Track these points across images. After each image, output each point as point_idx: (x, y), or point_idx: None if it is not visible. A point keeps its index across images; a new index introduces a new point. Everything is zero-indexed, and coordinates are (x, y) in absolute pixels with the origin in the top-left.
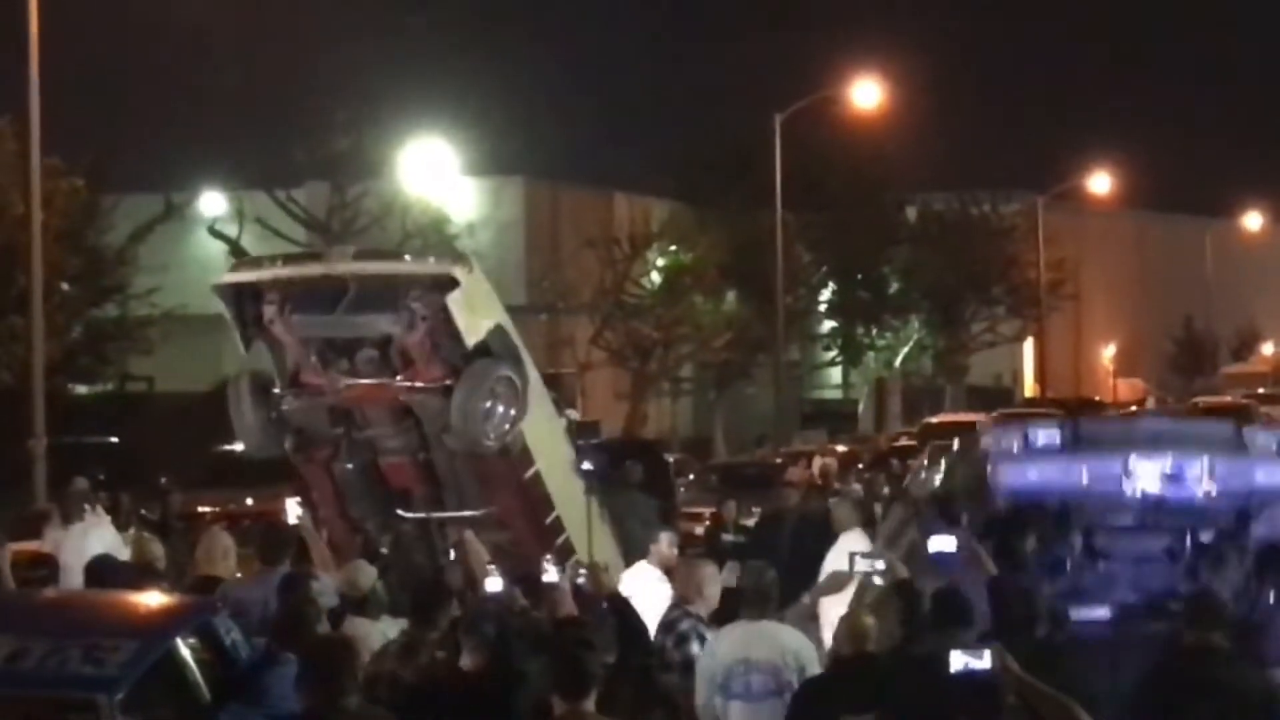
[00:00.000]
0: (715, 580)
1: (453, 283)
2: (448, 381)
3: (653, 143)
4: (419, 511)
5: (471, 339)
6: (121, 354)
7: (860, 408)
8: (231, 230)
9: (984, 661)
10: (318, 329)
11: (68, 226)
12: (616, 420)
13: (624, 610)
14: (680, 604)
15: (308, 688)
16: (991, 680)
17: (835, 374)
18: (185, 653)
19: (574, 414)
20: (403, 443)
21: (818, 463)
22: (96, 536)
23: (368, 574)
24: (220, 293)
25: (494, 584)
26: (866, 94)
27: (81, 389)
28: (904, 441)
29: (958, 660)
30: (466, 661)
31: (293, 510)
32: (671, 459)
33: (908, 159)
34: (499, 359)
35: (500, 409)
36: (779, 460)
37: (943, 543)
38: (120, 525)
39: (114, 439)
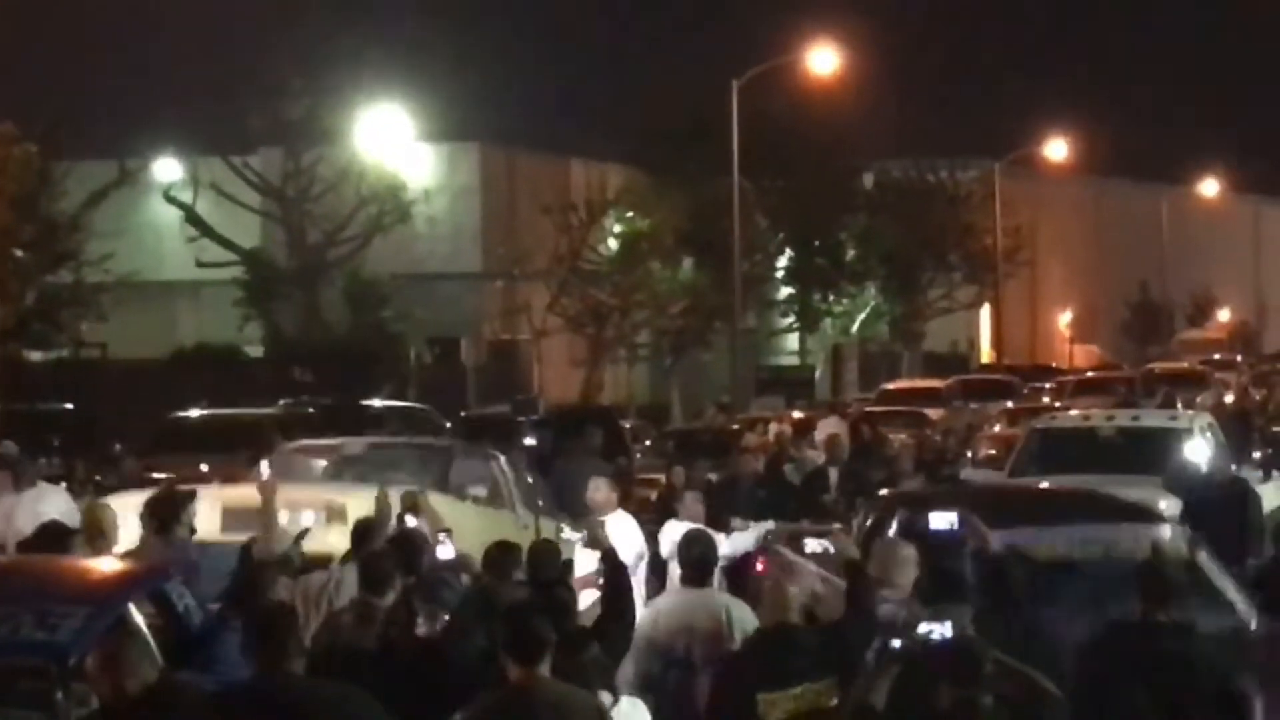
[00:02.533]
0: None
1: None
2: None
3: (609, 109)
4: None
5: None
6: (75, 320)
7: (817, 374)
8: (187, 196)
9: (947, 631)
10: None
11: (21, 193)
12: (573, 387)
13: (616, 568)
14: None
15: (254, 654)
16: (969, 646)
17: (792, 340)
18: (138, 618)
19: (482, 472)
20: None
21: (774, 429)
22: (50, 503)
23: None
24: None
25: (446, 551)
26: (823, 60)
27: (35, 355)
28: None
29: (925, 628)
30: (422, 629)
31: (264, 469)
32: (627, 425)
33: (865, 126)
34: None
35: None
36: (735, 426)
37: (942, 519)
38: (74, 491)
39: (68, 405)
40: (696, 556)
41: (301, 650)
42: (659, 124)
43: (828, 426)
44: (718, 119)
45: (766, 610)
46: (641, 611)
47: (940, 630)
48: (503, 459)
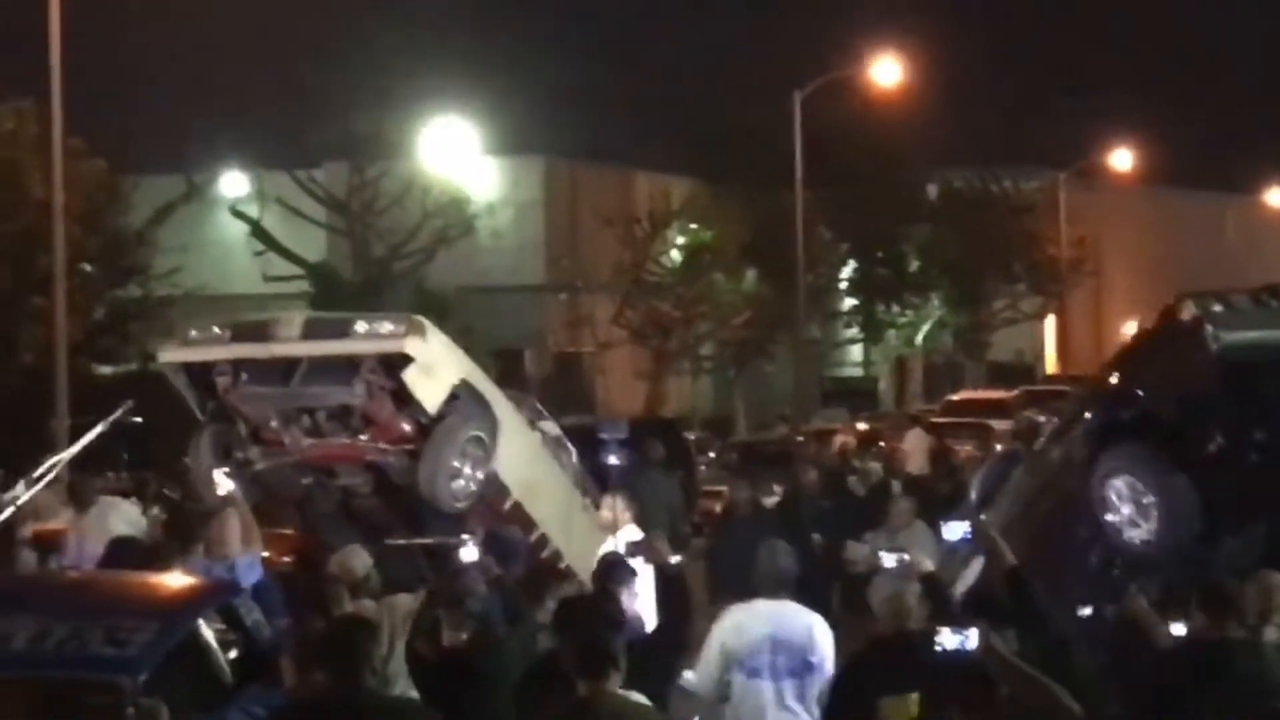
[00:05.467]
0: None
1: (406, 358)
2: (412, 447)
3: (673, 121)
4: (399, 539)
5: (433, 405)
6: (143, 334)
7: (881, 385)
8: (253, 211)
9: (970, 641)
10: (272, 401)
11: (89, 208)
12: (636, 399)
13: (670, 580)
14: None
15: (326, 667)
16: (982, 668)
17: (856, 352)
18: (207, 633)
19: (550, 427)
20: (375, 489)
21: (838, 440)
22: (118, 517)
23: (362, 559)
24: (168, 370)
25: (469, 554)
26: (886, 71)
27: (104, 369)
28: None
29: (946, 639)
30: (449, 637)
31: (223, 483)
32: (692, 437)
33: (928, 136)
34: (465, 418)
35: (469, 469)
36: (800, 438)
37: (955, 529)
38: (145, 505)
39: (137, 419)
40: (779, 568)
41: (373, 667)
42: (722, 136)
43: (911, 438)
44: (781, 130)
45: (887, 617)
46: (722, 622)
47: (964, 642)
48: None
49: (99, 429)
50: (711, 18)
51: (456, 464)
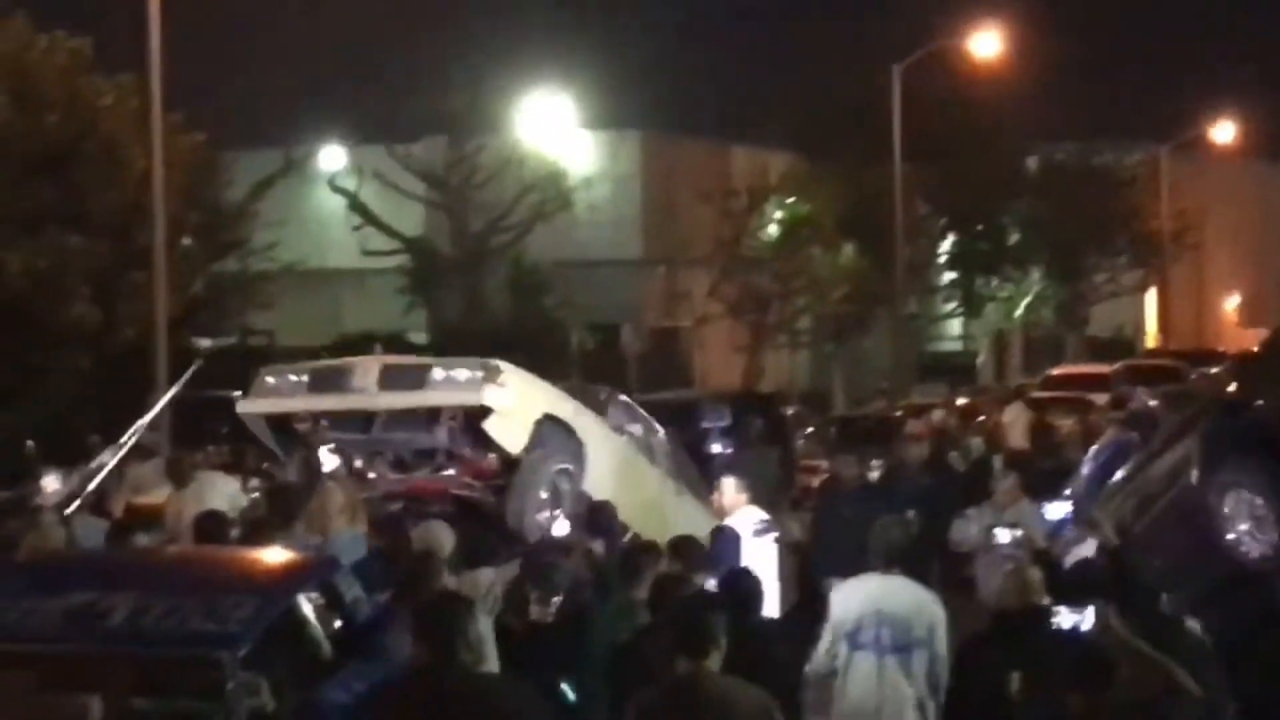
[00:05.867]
0: None
1: (485, 410)
2: (499, 482)
3: (771, 95)
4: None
5: (516, 448)
6: (242, 308)
7: (980, 360)
8: (351, 185)
9: (1086, 620)
10: (354, 445)
11: (189, 182)
12: (734, 374)
13: (804, 560)
14: None
15: (422, 643)
16: (1101, 650)
17: (955, 326)
18: (306, 609)
19: (636, 426)
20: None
21: (937, 415)
22: (216, 492)
23: (446, 534)
24: (248, 420)
25: (561, 527)
26: (986, 43)
27: (204, 343)
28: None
29: (1063, 619)
30: (537, 612)
31: (327, 460)
32: (789, 412)
33: (1028, 109)
34: (550, 452)
35: (556, 502)
36: (898, 413)
37: (1058, 509)
38: (243, 480)
39: (237, 393)
40: (889, 542)
41: (468, 641)
42: (820, 109)
43: (1012, 413)
44: (879, 103)
45: (1012, 593)
46: (833, 595)
47: (1079, 620)
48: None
49: (169, 395)
50: None
51: (544, 497)
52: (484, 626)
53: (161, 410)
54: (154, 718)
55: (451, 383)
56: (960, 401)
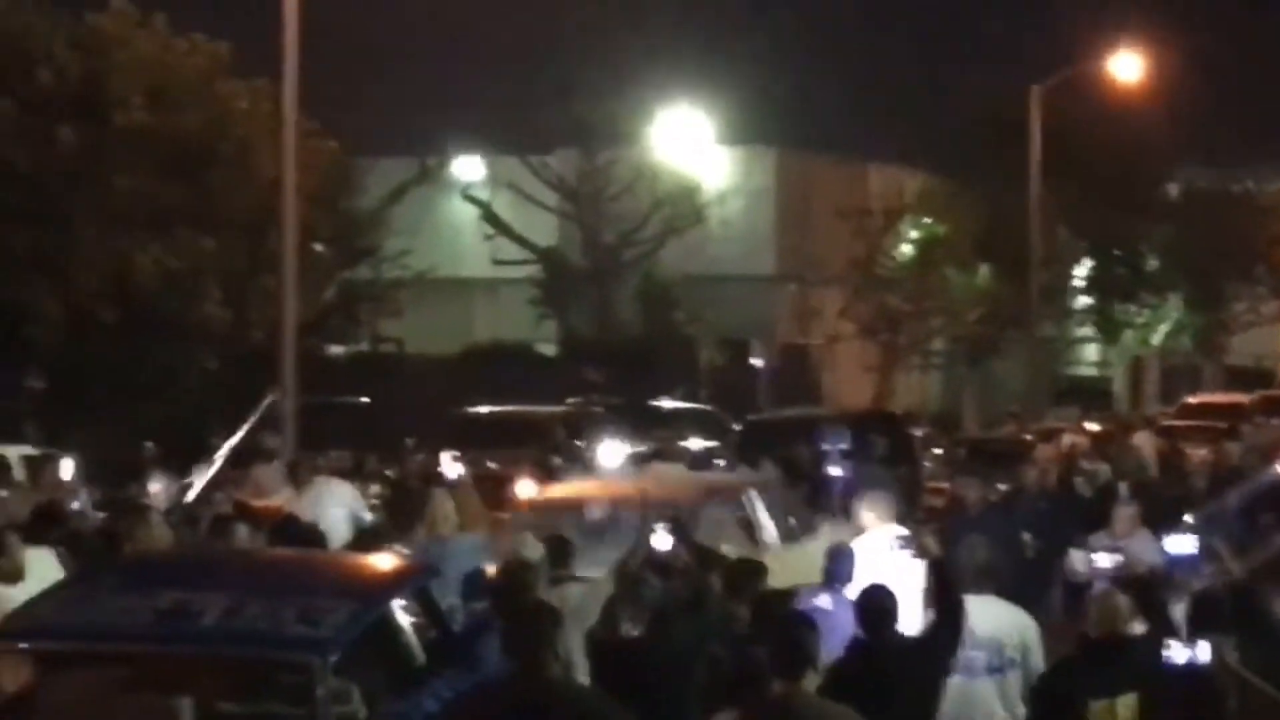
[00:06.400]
0: None
1: None
2: None
3: (908, 114)
4: None
5: None
6: (373, 316)
7: (1116, 386)
8: (484, 195)
9: (1201, 654)
10: None
11: (321, 188)
12: (864, 393)
13: (944, 576)
14: None
15: (512, 654)
16: (1210, 681)
17: (1091, 351)
18: (401, 616)
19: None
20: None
21: (1066, 440)
22: (333, 499)
23: (535, 549)
24: None
25: (662, 541)
26: (1127, 65)
27: (335, 349)
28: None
29: (1176, 652)
30: (626, 626)
31: (450, 467)
32: (918, 433)
33: (1169, 133)
34: None
35: None
36: (1028, 437)
37: (1181, 544)
38: (363, 484)
39: (365, 399)
40: (977, 562)
41: (558, 653)
42: (958, 129)
43: (1140, 440)
44: (1018, 125)
45: (1096, 620)
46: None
47: (1195, 656)
48: (753, 493)
49: (251, 420)
50: (949, 10)
51: None
52: (573, 640)
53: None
54: None
55: None
56: (1091, 427)
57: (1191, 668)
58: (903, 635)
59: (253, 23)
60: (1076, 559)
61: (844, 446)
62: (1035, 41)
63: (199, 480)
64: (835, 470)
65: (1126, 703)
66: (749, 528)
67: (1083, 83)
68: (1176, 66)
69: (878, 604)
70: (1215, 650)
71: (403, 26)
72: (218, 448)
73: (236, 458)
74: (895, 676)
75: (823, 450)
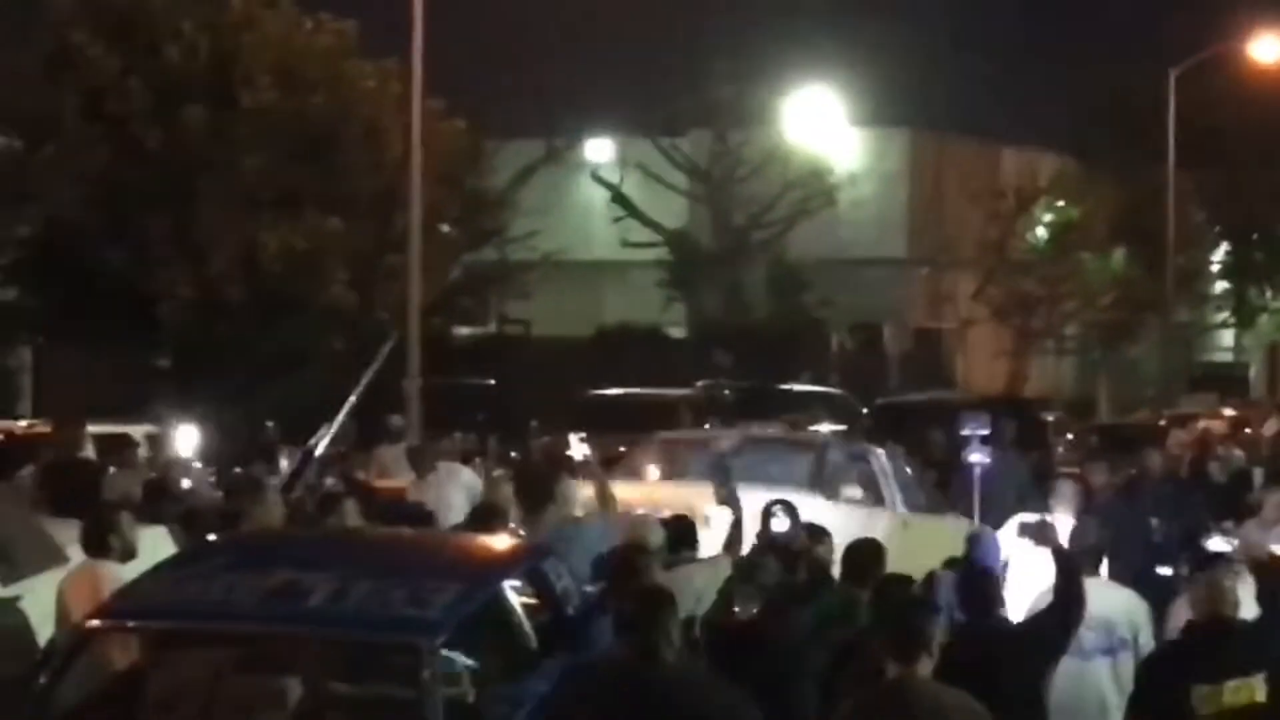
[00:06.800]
0: None
1: None
2: None
3: (1042, 96)
4: None
5: None
6: (501, 297)
7: (1252, 372)
8: (614, 177)
9: None
10: None
11: (448, 168)
12: (997, 378)
13: (1067, 566)
14: None
15: (626, 638)
16: None
17: (1227, 337)
18: (512, 598)
19: (854, 469)
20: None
21: (1201, 426)
22: (456, 483)
23: (656, 531)
24: None
25: (780, 524)
26: (1266, 47)
27: (462, 331)
28: None
29: None
30: (742, 610)
31: (578, 448)
32: (1050, 418)
33: None
34: None
35: None
36: (1162, 422)
37: None
38: (486, 466)
39: (491, 381)
40: (1086, 544)
41: (671, 639)
42: (1093, 112)
43: (1273, 426)
44: (1154, 108)
45: (1201, 603)
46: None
47: None
48: (882, 454)
49: (369, 374)
50: None
51: None
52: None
53: (415, 397)
54: (351, 703)
55: None
56: (1227, 412)
57: None
58: (1005, 620)
59: (381, 2)
60: (1215, 544)
61: (984, 432)
62: (1172, 23)
63: (324, 436)
64: (975, 457)
65: (1234, 687)
66: (875, 486)
67: (1220, 65)
68: None
69: (978, 588)
70: None
71: (534, 7)
72: (345, 428)
73: (361, 438)
74: (998, 660)
75: (962, 436)
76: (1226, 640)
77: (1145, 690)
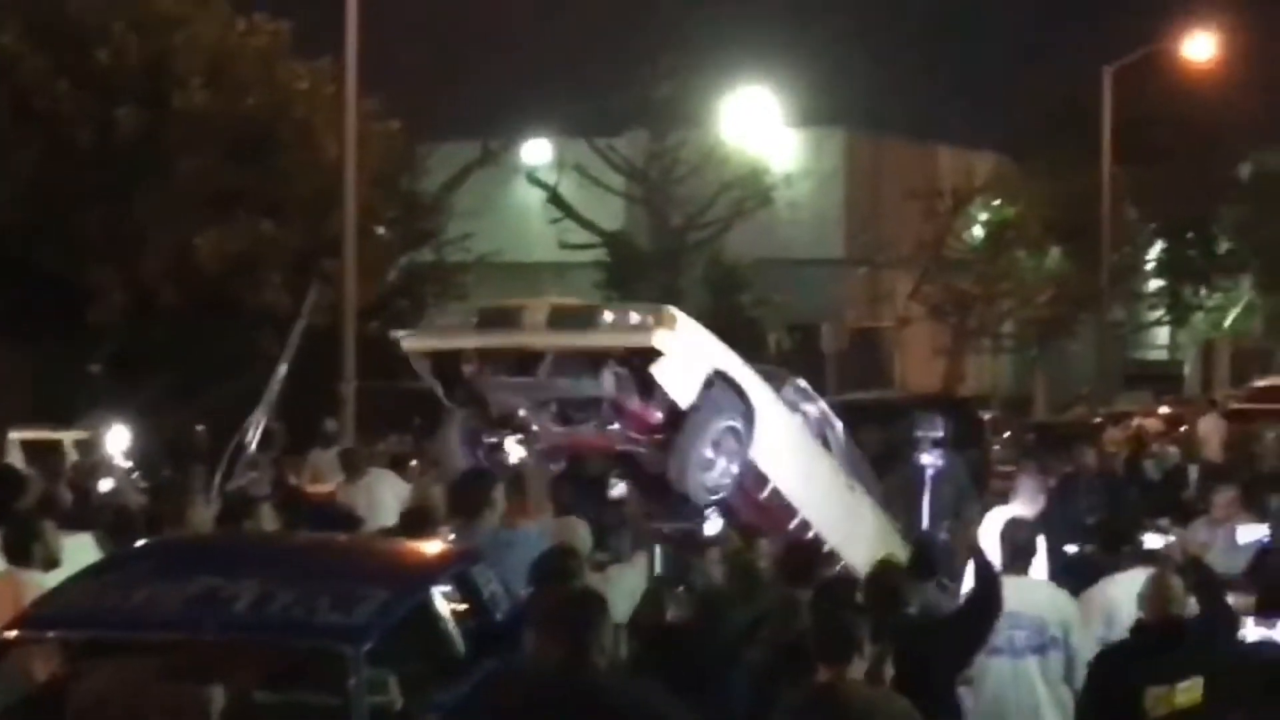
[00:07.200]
0: None
1: (655, 353)
2: (663, 437)
3: (978, 95)
4: (653, 524)
5: (685, 399)
6: (437, 299)
7: (1186, 370)
8: (551, 178)
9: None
10: (519, 389)
11: (383, 170)
12: (934, 376)
13: (983, 569)
14: None
15: (554, 642)
16: (1272, 672)
17: (1162, 334)
18: (440, 603)
19: (812, 409)
20: (627, 477)
21: (1135, 423)
22: (386, 488)
23: (584, 534)
24: (412, 357)
25: (713, 526)
26: (1200, 46)
27: (401, 333)
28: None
29: (1251, 630)
30: (674, 613)
31: (514, 450)
32: (987, 416)
33: (1242, 114)
34: (719, 409)
35: (723, 461)
36: (1098, 420)
37: (1251, 533)
38: (422, 470)
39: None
40: (1021, 542)
41: (603, 644)
42: (1028, 111)
43: (1206, 424)
44: (1089, 106)
45: (1151, 602)
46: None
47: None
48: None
49: (296, 331)
50: None
51: (709, 456)
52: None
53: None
54: (276, 711)
55: (622, 324)
56: (1162, 410)
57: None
58: (910, 615)
59: (314, 2)
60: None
61: (936, 434)
62: (1107, 22)
63: (255, 421)
64: (927, 459)
65: (1184, 688)
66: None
67: (1155, 64)
68: (1248, 47)
69: (886, 584)
70: None
71: (468, 8)
72: (274, 432)
73: (294, 442)
74: (912, 657)
75: (915, 438)
76: (1178, 641)
77: (1097, 691)
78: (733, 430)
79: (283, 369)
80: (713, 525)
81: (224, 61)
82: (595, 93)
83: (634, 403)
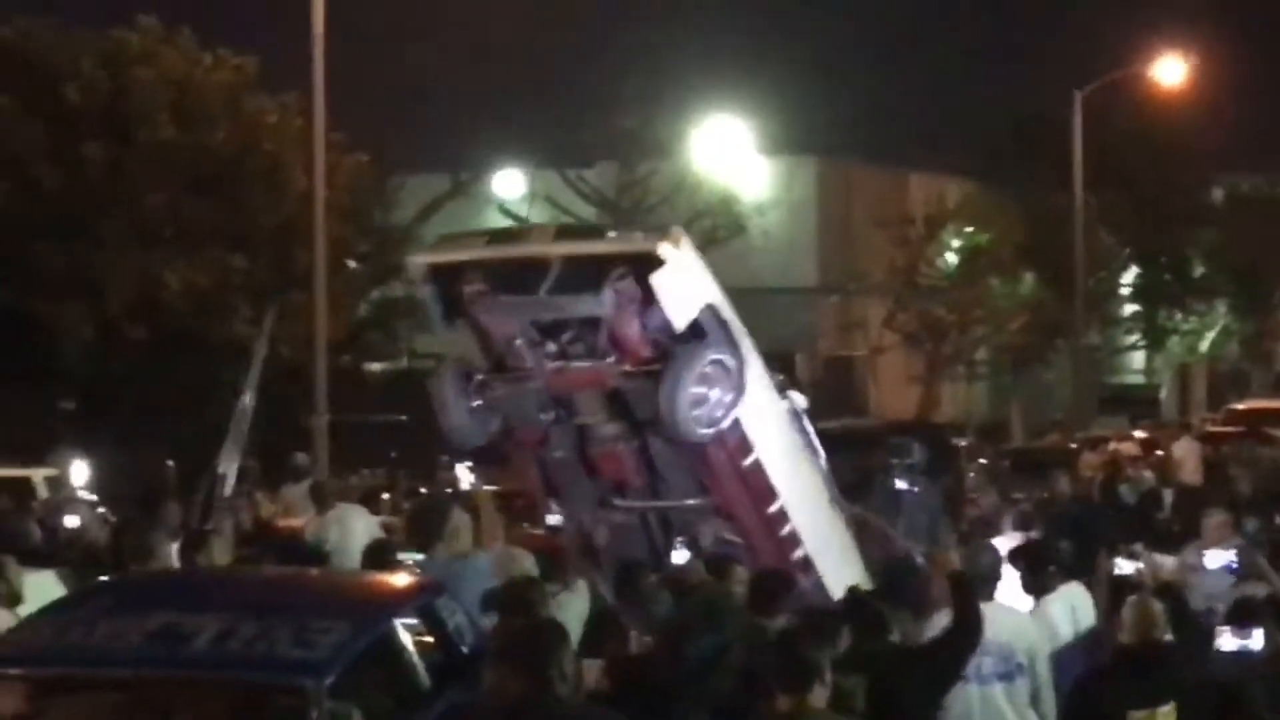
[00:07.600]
0: None
1: (658, 261)
2: (656, 366)
3: (949, 122)
4: (634, 501)
5: (680, 320)
6: (411, 332)
7: (1163, 394)
8: (522, 210)
9: (1255, 643)
10: (520, 310)
11: (352, 203)
12: (909, 404)
13: (963, 592)
14: None
15: (513, 673)
16: (1245, 692)
17: (1138, 359)
18: (403, 636)
19: (800, 399)
20: (615, 430)
21: (1111, 448)
22: (355, 521)
23: (531, 563)
24: (417, 271)
25: (680, 556)
26: (1170, 70)
27: (375, 367)
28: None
29: (1228, 641)
30: (636, 642)
31: (465, 477)
32: (962, 443)
33: (1214, 138)
34: (710, 341)
35: (712, 395)
36: (1074, 445)
37: (1219, 558)
38: (395, 503)
39: (403, 417)
40: (985, 569)
41: (564, 672)
42: (1000, 136)
43: (1181, 447)
44: (1060, 131)
45: (1132, 626)
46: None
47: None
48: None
49: (260, 349)
50: (989, 17)
51: (699, 389)
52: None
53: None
54: None
55: (626, 236)
56: (1137, 434)
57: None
58: (892, 643)
59: (280, 36)
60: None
61: (912, 461)
62: (1077, 48)
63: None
64: (903, 484)
65: (1165, 713)
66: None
67: (1126, 88)
68: (1220, 71)
69: (866, 612)
70: (1269, 639)
71: (438, 41)
72: (247, 468)
73: (267, 476)
74: (892, 684)
75: (890, 464)
76: (1159, 665)
77: (1078, 714)
78: (721, 364)
79: (247, 399)
80: (679, 555)
81: (190, 96)
82: (565, 124)
83: (631, 327)
